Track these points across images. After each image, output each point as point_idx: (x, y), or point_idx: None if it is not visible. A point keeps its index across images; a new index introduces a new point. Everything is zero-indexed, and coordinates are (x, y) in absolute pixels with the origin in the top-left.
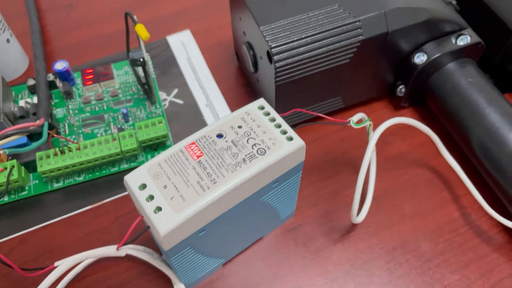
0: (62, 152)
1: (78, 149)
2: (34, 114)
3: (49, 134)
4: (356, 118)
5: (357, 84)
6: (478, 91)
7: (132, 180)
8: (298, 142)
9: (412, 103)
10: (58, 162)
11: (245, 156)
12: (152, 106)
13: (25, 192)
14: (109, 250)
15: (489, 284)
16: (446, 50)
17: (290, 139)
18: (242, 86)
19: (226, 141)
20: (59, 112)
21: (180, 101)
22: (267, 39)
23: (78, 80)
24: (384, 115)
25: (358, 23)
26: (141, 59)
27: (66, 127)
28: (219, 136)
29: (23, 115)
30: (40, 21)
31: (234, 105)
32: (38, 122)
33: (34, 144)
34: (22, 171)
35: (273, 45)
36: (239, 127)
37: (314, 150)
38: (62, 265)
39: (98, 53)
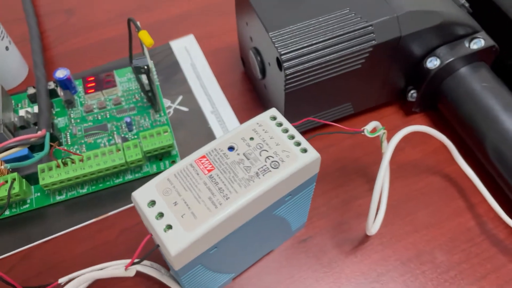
0: (65, 164)
1: (82, 160)
2: (35, 124)
3: (51, 146)
4: (370, 127)
5: (368, 89)
6: (492, 96)
7: (140, 196)
8: (313, 154)
9: (424, 109)
10: (61, 174)
11: (258, 169)
12: (157, 114)
13: (27, 206)
14: (118, 271)
15: None
16: (460, 54)
17: (305, 150)
18: (248, 92)
19: (238, 154)
20: (60, 121)
21: (185, 109)
22: (276, 45)
23: (80, 88)
24: (395, 121)
25: (370, 27)
26: (145, 67)
27: (68, 137)
28: (231, 148)
29: (24, 125)
30: (39, 27)
31: (240, 111)
32: (39, 133)
33: (36, 157)
34: (23, 184)
35: (283, 52)
36: (251, 138)
37: (324, 158)
38: (68, 286)
39: (100, 59)
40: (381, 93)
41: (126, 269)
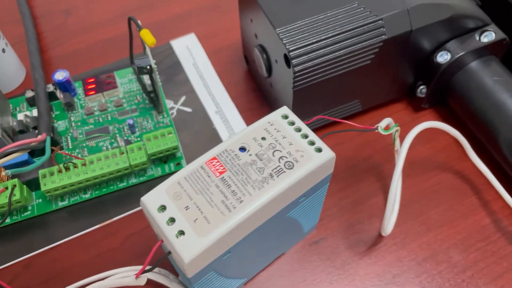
0: (67, 168)
1: (84, 165)
2: (35, 128)
3: (52, 150)
4: (384, 123)
5: (377, 86)
6: (504, 90)
7: (149, 201)
8: (328, 153)
9: (433, 104)
10: (63, 179)
11: (272, 170)
12: (160, 115)
13: (28, 213)
14: (128, 279)
15: None
16: (470, 48)
17: (319, 150)
18: (252, 91)
19: (250, 155)
20: (60, 124)
21: (188, 109)
22: (284, 41)
23: (80, 90)
24: (404, 117)
25: (380, 21)
26: (148, 67)
27: (69, 141)
28: (242, 149)
29: (23, 130)
30: (36, 28)
31: (245, 111)
32: (40, 137)
33: (37, 162)
34: (24, 190)
35: (291, 48)
36: (263, 138)
37: None
38: None
39: (99, 60)
40: (390, 89)
41: (137, 277)
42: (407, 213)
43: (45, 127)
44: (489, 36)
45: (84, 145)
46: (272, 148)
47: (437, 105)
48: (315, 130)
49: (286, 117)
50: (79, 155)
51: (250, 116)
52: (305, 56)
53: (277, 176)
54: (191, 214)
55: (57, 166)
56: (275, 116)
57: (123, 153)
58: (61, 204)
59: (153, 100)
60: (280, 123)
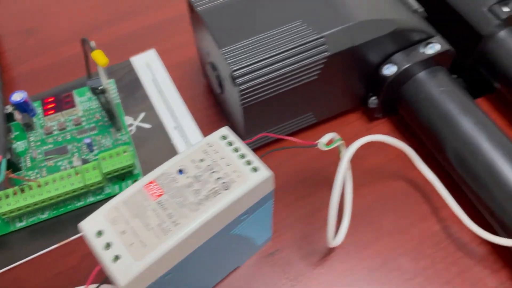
0: (22, 190)
1: (39, 186)
2: None
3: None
4: (326, 139)
5: (328, 99)
6: (450, 101)
7: (87, 226)
8: (264, 173)
9: (386, 113)
10: (19, 201)
11: (208, 192)
12: (118, 132)
13: None
14: None
15: None
16: (415, 60)
17: (255, 170)
18: (211, 106)
19: (188, 177)
20: (19, 145)
21: (147, 125)
22: (228, 61)
23: (39, 110)
24: (359, 127)
25: (322, 39)
26: (100, 87)
27: (28, 161)
28: (180, 171)
29: None
30: None
31: (204, 125)
32: None
33: None
34: None
35: (234, 68)
36: (201, 160)
37: (287, 169)
38: None
39: (59, 79)
40: (342, 101)
41: None
42: (359, 221)
43: (1, 149)
44: (433, 48)
45: (43, 165)
46: (210, 170)
47: (392, 115)
48: (262, 148)
49: (224, 137)
50: (39, 175)
51: (210, 130)
52: (249, 75)
53: (214, 197)
54: (127, 238)
55: (11, 189)
56: (214, 137)
57: (78, 173)
58: (19, 225)
59: (111, 117)
60: (219, 144)
